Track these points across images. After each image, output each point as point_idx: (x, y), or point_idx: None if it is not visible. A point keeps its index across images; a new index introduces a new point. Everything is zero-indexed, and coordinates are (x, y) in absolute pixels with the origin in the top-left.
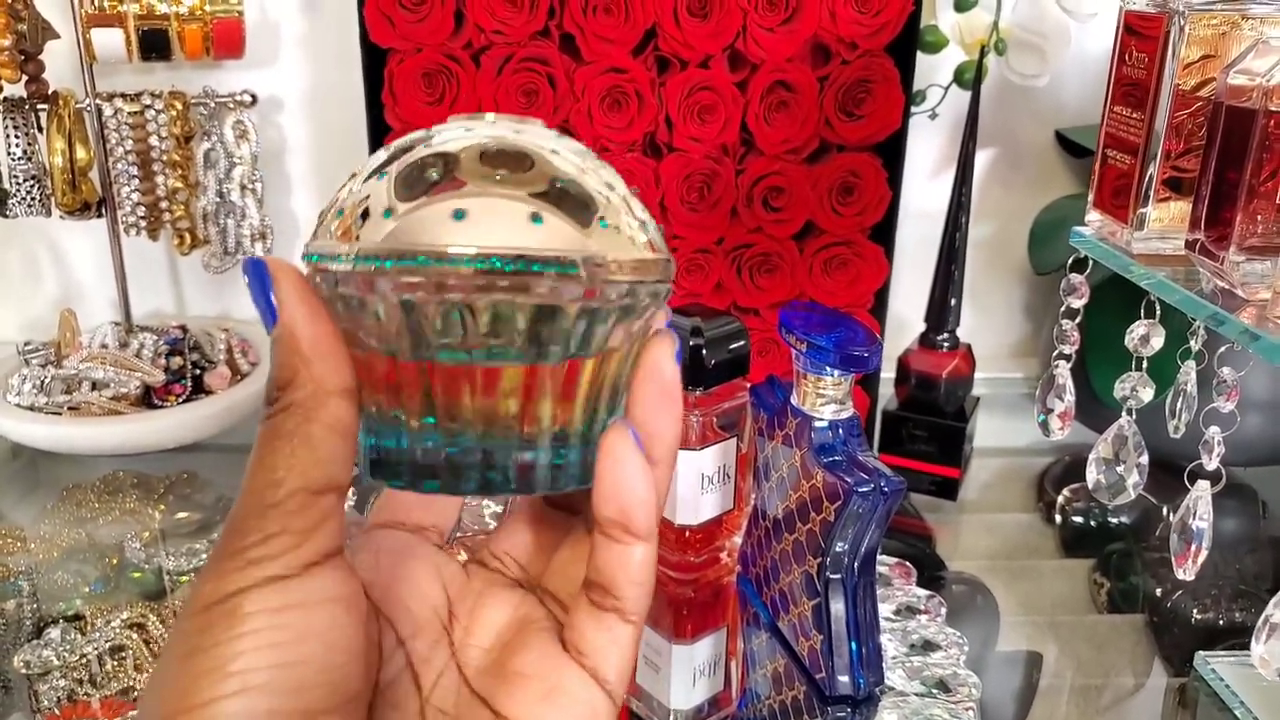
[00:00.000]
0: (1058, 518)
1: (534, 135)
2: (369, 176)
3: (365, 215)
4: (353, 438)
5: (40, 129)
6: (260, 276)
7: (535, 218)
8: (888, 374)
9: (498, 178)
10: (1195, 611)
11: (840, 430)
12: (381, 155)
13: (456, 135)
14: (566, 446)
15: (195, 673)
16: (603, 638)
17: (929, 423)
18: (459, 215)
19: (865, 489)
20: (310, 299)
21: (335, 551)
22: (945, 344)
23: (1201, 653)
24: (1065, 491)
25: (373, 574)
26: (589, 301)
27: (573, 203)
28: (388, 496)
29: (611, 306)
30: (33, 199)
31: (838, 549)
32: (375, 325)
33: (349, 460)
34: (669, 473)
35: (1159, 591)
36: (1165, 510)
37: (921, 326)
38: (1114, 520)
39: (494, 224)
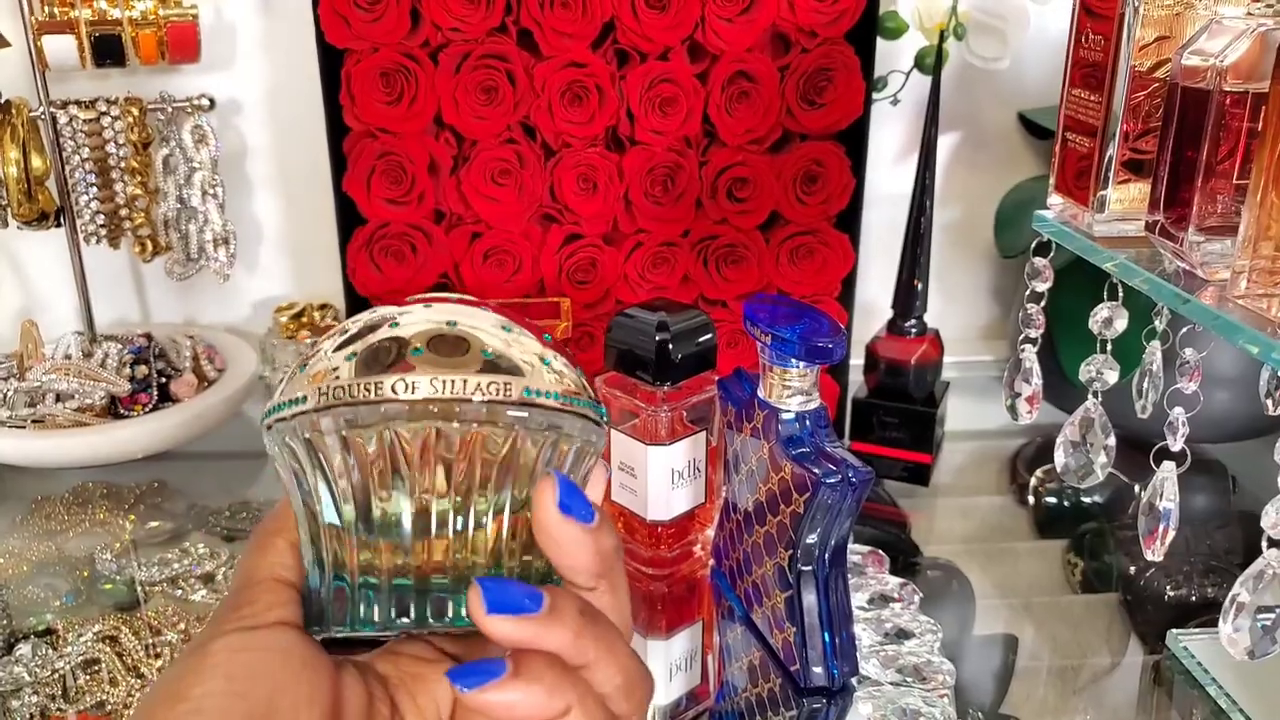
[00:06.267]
0: (1031, 499)
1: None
2: (337, 348)
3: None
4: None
5: None
6: None
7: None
8: (857, 361)
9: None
10: (1168, 588)
11: (807, 421)
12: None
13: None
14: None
15: (162, 697)
16: None
17: (899, 409)
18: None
19: (833, 480)
20: None
21: (295, 622)
22: (913, 329)
23: (1174, 631)
24: (1038, 473)
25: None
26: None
27: (503, 370)
28: None
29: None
30: None
31: (808, 541)
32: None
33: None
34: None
35: (1132, 570)
36: (1137, 489)
37: (892, 313)
38: (1086, 500)
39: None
